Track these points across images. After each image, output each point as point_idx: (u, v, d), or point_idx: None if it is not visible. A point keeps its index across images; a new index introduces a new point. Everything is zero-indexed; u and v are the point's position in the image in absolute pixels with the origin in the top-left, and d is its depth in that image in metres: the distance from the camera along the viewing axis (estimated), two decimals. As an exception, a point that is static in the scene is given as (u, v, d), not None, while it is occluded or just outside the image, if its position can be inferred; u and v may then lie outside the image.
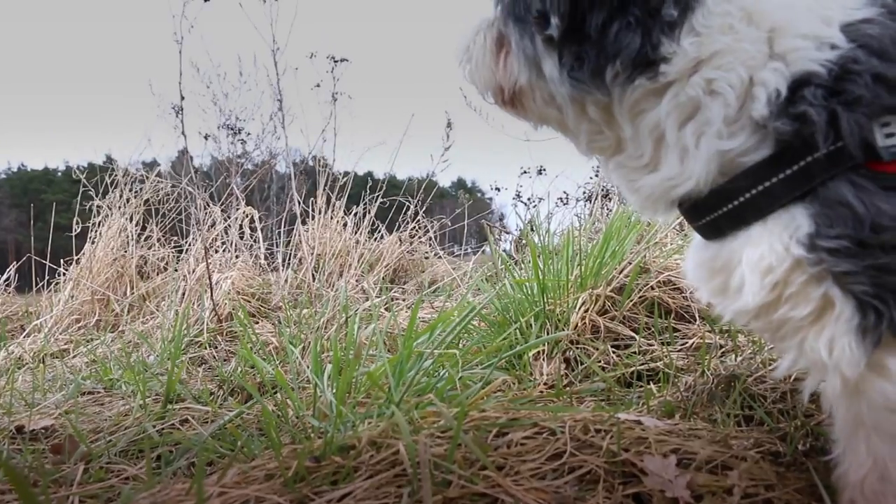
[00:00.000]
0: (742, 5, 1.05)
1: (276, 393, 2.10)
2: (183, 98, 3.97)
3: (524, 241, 4.24)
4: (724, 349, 2.12)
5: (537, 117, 1.28)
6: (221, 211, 5.23)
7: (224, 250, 4.96)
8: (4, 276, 5.85)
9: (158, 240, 5.40)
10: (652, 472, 1.22)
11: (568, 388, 2.03)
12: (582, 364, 2.21)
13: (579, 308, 2.41)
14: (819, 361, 1.00)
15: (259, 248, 5.17)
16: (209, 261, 4.08)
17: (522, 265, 3.50)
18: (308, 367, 2.09)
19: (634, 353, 2.25)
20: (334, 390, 1.67)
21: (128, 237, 5.15)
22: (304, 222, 4.96)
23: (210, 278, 3.78)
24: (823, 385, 1.10)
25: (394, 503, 1.12)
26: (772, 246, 0.99)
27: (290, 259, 4.99)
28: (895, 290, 0.94)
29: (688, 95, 1.05)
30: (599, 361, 2.22)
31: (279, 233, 5.57)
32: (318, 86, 5.71)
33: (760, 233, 1.01)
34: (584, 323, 2.36)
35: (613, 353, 2.26)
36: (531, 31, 1.13)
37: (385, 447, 1.27)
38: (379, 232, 5.43)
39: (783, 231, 0.99)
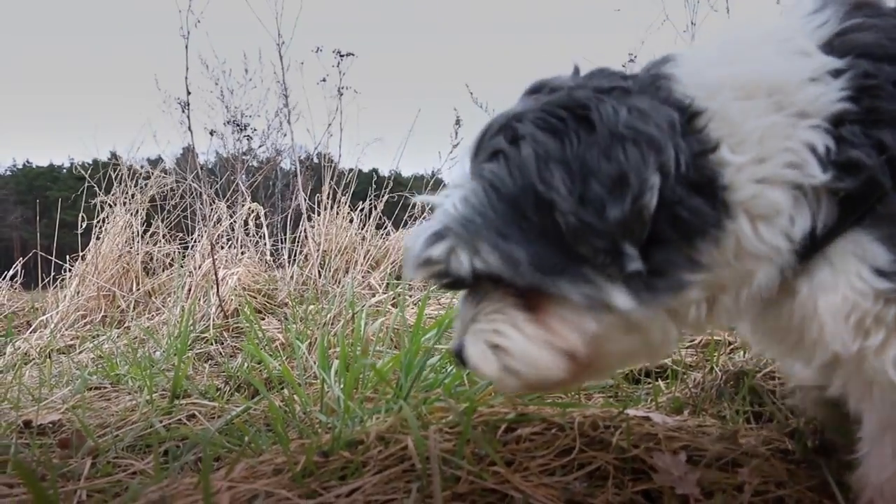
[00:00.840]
0: (734, 82, 0.94)
1: (283, 388, 2.10)
2: (189, 94, 3.96)
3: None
4: (732, 346, 2.10)
5: (610, 364, 1.09)
6: (227, 207, 5.24)
7: (230, 246, 4.97)
8: (10, 273, 5.88)
9: (164, 236, 5.41)
10: (662, 469, 1.21)
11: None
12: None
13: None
14: (883, 381, 0.94)
15: (265, 244, 5.17)
16: (215, 257, 4.08)
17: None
18: (315, 362, 2.08)
19: (642, 349, 2.23)
20: (342, 386, 1.66)
21: (133, 233, 5.16)
22: (309, 218, 4.96)
23: (216, 274, 3.79)
24: (848, 388, 1.06)
25: (402, 498, 1.11)
26: (852, 286, 0.91)
27: (296, 255, 4.99)
28: None
29: (756, 202, 0.93)
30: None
31: (285, 227, 5.57)
32: (324, 80, 5.66)
33: (831, 276, 0.93)
34: (592, 319, 2.35)
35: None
36: (587, 276, 0.92)
37: (393, 442, 1.27)
38: (385, 228, 5.42)
39: (858, 266, 0.91)
